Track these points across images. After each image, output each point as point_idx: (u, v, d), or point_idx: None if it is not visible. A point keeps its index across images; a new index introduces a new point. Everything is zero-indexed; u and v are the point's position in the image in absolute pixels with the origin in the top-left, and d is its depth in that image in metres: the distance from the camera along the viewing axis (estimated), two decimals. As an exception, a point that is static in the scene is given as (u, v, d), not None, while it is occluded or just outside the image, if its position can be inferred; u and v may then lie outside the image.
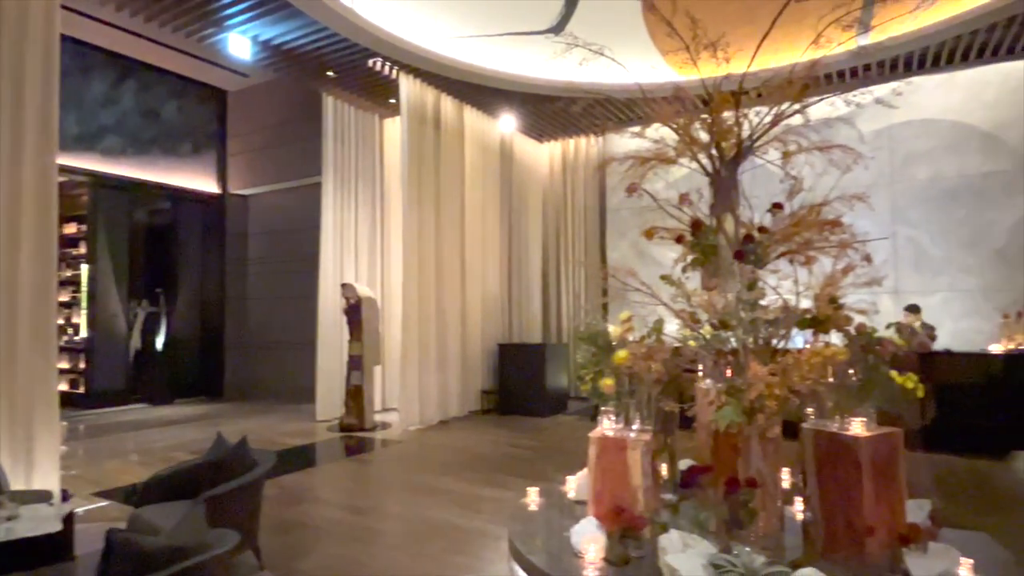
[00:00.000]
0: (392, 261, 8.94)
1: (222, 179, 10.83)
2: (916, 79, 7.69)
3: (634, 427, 3.23)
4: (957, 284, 7.61)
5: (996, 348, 6.30)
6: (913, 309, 6.62)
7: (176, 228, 10.39)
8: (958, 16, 6.47)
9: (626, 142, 3.69)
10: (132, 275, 9.65)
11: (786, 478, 3.73)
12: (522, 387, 8.70)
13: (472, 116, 9.03)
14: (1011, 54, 7.27)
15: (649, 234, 3.90)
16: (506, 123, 9.35)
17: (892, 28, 5.83)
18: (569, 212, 10.52)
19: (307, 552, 3.65)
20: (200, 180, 10.54)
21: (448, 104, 8.52)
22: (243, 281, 10.75)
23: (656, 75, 4.27)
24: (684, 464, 3.64)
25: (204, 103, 10.62)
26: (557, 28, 6.53)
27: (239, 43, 6.71)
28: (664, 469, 3.79)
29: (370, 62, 7.34)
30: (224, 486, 3.04)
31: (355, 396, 7.51)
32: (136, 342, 9.68)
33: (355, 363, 7.58)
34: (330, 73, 7.60)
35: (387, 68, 7.58)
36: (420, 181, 7.89)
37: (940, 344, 6.85)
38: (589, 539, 2.85)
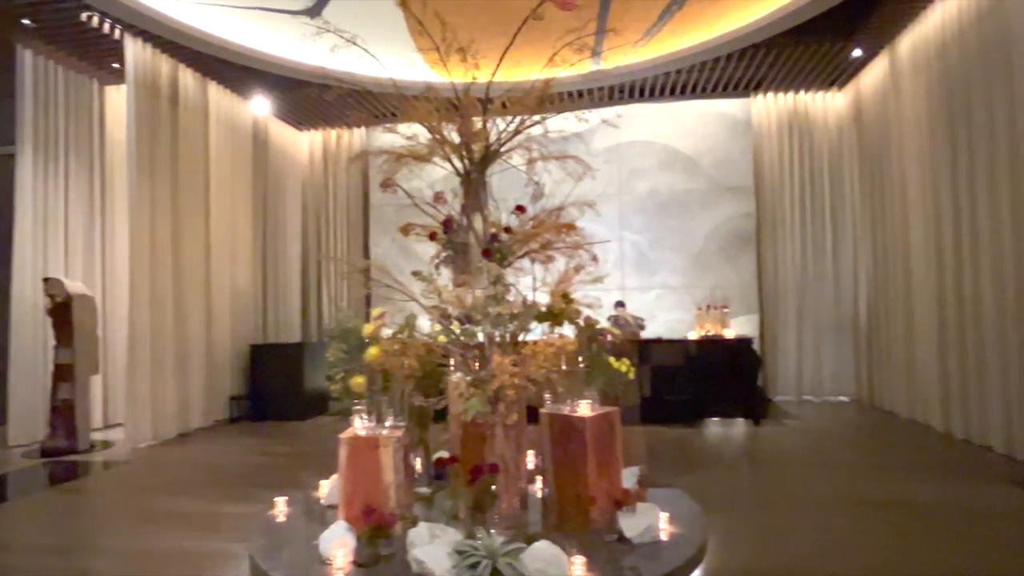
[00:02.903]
0: (117, 251, 7.67)
1: None
2: (637, 105, 8.97)
3: (387, 424, 3.22)
4: (668, 282, 9.05)
5: (693, 335, 7.63)
6: (621, 304, 7.75)
7: None
8: (670, 56, 7.68)
9: (388, 137, 3.66)
10: None
11: (532, 460, 4.07)
12: (278, 390, 8.15)
13: (219, 94, 8.16)
14: (704, 92, 8.88)
15: (406, 231, 3.93)
16: (259, 105, 8.65)
17: (619, 59, 6.68)
18: (331, 205, 10.12)
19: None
20: None
21: (189, 78, 7.58)
22: None
23: (412, 72, 4.31)
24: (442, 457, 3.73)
25: None
26: (313, 11, 6.21)
27: None
28: (419, 463, 3.86)
29: (84, 16, 6.19)
30: None
31: (63, 413, 6.28)
32: None
33: (63, 374, 6.34)
34: (26, 21, 6.23)
35: (108, 26, 6.46)
36: (152, 161, 6.89)
37: (653, 332, 8.08)
38: (338, 544, 2.77)
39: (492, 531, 2.66)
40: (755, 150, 8.94)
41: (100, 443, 6.71)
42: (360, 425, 3.17)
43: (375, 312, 3.23)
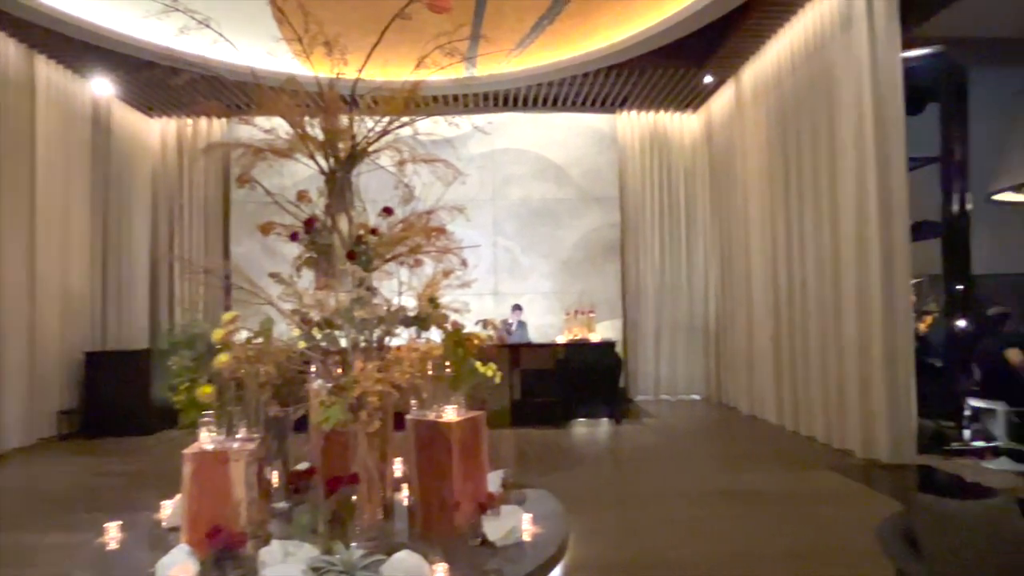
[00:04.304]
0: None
1: None
2: (509, 114, 9.16)
3: (238, 436, 2.99)
4: (539, 288, 9.31)
5: (561, 339, 7.90)
6: (517, 308, 8.01)
7: None
8: (542, 68, 7.92)
9: (250, 129, 3.42)
10: None
11: (399, 467, 3.98)
12: (119, 402, 7.33)
13: (49, 70, 7.24)
14: (574, 106, 9.25)
15: (265, 229, 3.69)
16: (101, 86, 7.78)
17: (492, 67, 6.79)
18: (187, 200, 9.32)
19: None
20: None
21: (11, 49, 6.65)
22: None
23: (274, 63, 4.07)
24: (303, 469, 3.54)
25: None
26: (165, -13, 5.69)
27: None
28: (276, 477, 3.64)
29: None
30: None
31: None
32: None
33: None
34: None
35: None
36: (-41, 141, 5.96)
37: (523, 337, 8.26)
38: (178, 570, 2.53)
39: (353, 544, 2.56)
40: (620, 163, 9.45)
41: None
42: (207, 438, 2.92)
43: (226, 316, 3.00)
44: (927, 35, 6.45)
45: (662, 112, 9.48)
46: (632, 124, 9.45)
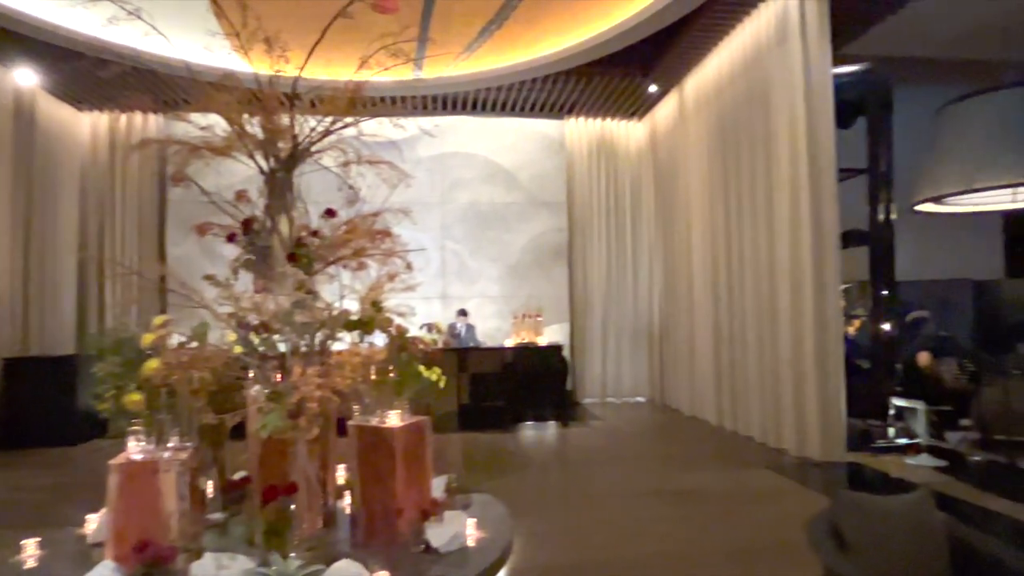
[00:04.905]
0: None
1: None
2: (458, 118, 9.15)
3: (170, 446, 2.87)
4: (487, 291, 9.30)
5: (509, 343, 7.92)
6: (462, 312, 7.97)
7: None
8: (490, 72, 7.93)
9: (187, 126, 3.28)
10: None
11: (342, 474, 3.89)
12: (43, 410, 6.91)
13: (-35, 57, 6.80)
14: (523, 111, 9.32)
15: (202, 230, 3.56)
16: (24, 76, 7.35)
17: (440, 70, 6.76)
18: (120, 198, 8.89)
19: None
20: None
21: (-80, 33, 6.22)
22: None
23: (211, 57, 3.92)
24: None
25: None
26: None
27: None
28: (211, 487, 3.51)
29: None
30: None
31: None
32: None
33: None
34: None
35: None
36: None
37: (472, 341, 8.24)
38: (100, 588, 2.40)
39: (291, 555, 2.49)
40: (568, 169, 9.56)
41: None
42: (136, 448, 2.79)
43: (157, 320, 2.87)
44: (856, 53, 6.81)
45: (609, 119, 9.65)
46: (580, 130, 9.58)
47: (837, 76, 5.94)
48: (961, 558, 2.04)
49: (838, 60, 6.03)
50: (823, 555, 2.03)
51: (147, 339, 2.79)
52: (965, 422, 5.91)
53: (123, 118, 8.93)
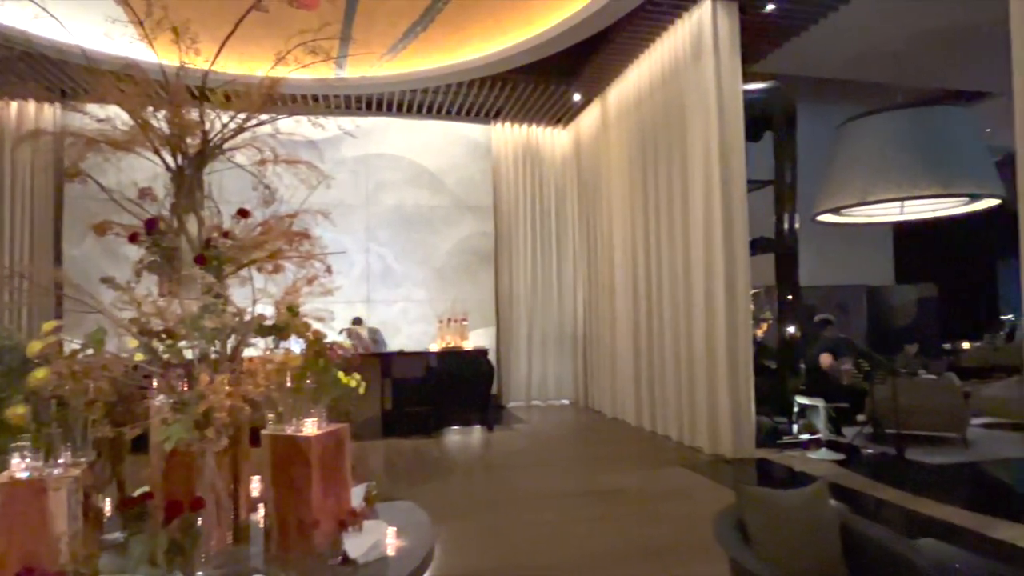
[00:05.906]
0: None
1: None
2: (384, 119, 9.02)
3: (60, 462, 2.66)
4: (412, 295, 9.20)
5: (434, 347, 7.85)
6: (358, 321, 7.84)
7: None
8: (416, 74, 7.86)
9: (84, 117, 3.05)
10: None
11: (256, 486, 3.73)
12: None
13: None
14: (449, 115, 9.29)
15: (100, 229, 3.32)
16: None
17: (363, 70, 6.63)
18: (9, 194, 8.17)
19: None
20: None
21: None
22: None
23: (112, 45, 3.68)
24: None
25: None
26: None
27: None
28: (108, 505, 3.27)
29: None
30: None
31: None
32: None
33: None
34: None
35: None
36: None
37: (397, 345, 8.13)
38: (-24, 620, 2.19)
39: (198, 574, 2.36)
40: (494, 173, 9.61)
41: None
42: (20, 466, 2.56)
43: (46, 326, 2.65)
44: (764, 71, 7.22)
45: (535, 126, 9.77)
46: (506, 136, 9.66)
47: (747, 92, 6.28)
48: (853, 544, 2.19)
49: (748, 77, 6.38)
50: (729, 548, 2.13)
51: (34, 347, 2.57)
52: (860, 417, 6.38)
53: (13, 105, 8.22)
